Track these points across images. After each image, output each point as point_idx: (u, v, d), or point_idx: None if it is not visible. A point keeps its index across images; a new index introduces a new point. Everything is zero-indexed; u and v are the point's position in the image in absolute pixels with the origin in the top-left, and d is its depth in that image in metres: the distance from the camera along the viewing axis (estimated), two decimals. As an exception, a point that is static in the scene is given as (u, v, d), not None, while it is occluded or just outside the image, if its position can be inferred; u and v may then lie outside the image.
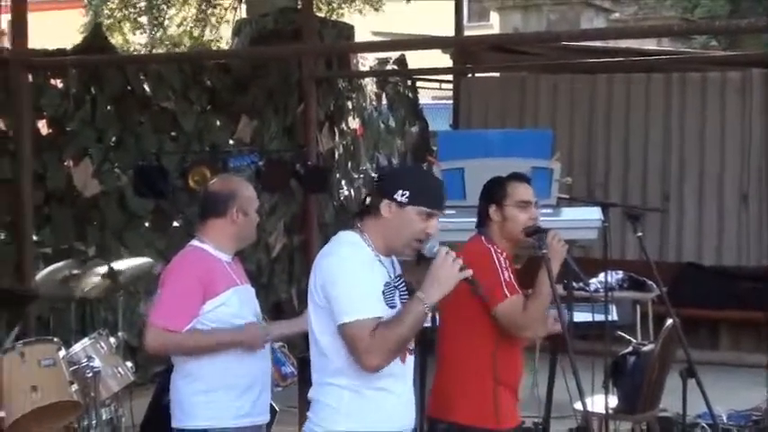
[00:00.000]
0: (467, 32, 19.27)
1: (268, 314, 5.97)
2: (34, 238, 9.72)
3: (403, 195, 4.30)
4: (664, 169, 13.57)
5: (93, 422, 6.76)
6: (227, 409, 5.27)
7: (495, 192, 5.48)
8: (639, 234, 6.71)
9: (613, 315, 7.52)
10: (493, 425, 5.20)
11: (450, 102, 15.65)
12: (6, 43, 14.24)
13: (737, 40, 18.83)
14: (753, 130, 13.17)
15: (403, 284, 4.46)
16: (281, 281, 12.55)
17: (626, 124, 13.76)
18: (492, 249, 5.30)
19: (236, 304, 5.32)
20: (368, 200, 4.48)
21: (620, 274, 11.35)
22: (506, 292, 5.14)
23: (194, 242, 5.43)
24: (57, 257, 9.01)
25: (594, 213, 6.95)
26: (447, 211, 6.53)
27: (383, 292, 4.30)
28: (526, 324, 5.20)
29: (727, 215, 13.36)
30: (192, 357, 5.30)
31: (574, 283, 11.19)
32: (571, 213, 6.92)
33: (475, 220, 5.56)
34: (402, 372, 4.42)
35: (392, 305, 4.30)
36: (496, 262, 5.22)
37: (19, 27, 9.55)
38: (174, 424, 5.41)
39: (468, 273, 4.30)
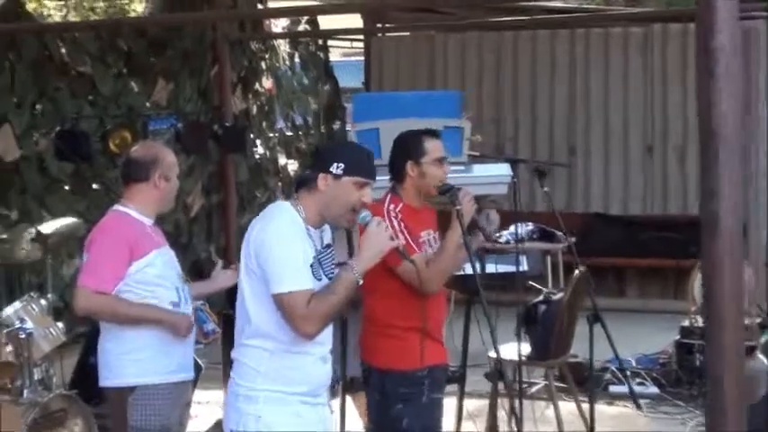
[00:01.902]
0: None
1: (188, 274, 6.10)
2: None
3: (338, 168, 4.43)
4: (570, 124, 13.81)
5: (27, 382, 6.74)
6: (154, 366, 5.37)
7: (412, 148, 5.57)
8: (546, 189, 6.87)
9: (524, 265, 7.68)
10: (409, 366, 5.39)
11: (361, 59, 15.79)
12: None
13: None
14: (654, 84, 13.43)
15: (331, 255, 4.59)
16: (200, 240, 12.62)
17: (532, 81, 13.98)
18: (387, 213, 5.40)
19: (159, 265, 5.41)
20: (307, 176, 4.56)
21: (531, 226, 11.58)
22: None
23: (118, 207, 5.52)
24: None
25: (504, 169, 7.07)
26: None
27: (311, 265, 4.40)
28: (428, 279, 5.28)
29: (633, 167, 13.63)
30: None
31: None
32: (482, 170, 7.05)
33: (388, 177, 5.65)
34: (325, 333, 4.56)
35: (318, 277, 4.41)
36: (392, 226, 5.24)
37: None
38: (102, 383, 5.51)
39: (399, 243, 4.52)
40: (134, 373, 5.38)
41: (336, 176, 4.43)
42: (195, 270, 11.24)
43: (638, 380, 9.10)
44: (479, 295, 5.85)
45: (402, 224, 5.41)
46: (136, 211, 5.46)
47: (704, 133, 3.76)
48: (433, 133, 5.70)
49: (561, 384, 8.24)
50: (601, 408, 8.34)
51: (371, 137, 6.86)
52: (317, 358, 4.54)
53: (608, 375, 9.05)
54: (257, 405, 4.44)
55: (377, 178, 4.98)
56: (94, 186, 11.10)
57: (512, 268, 7.57)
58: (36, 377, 6.93)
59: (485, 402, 7.72)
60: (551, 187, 13.52)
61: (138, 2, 15.62)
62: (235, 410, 4.51)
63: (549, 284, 10.26)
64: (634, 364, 9.37)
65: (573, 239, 11.65)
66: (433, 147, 5.56)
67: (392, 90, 13.78)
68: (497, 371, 5.98)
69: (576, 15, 13.98)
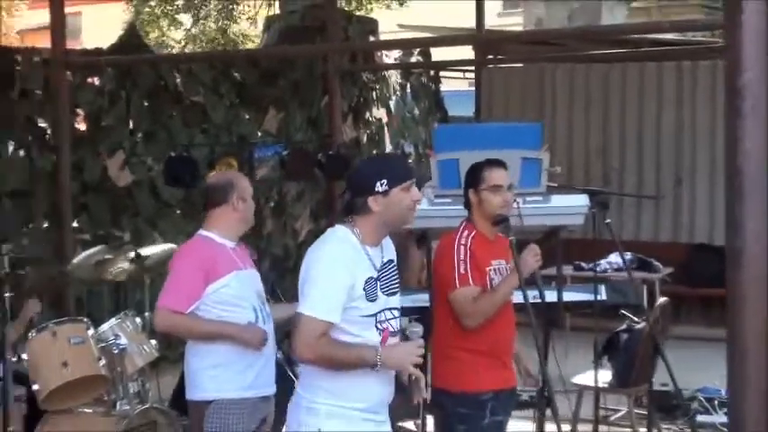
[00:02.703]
0: (500, 20, 19.49)
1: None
2: (74, 224, 9.86)
3: (382, 185, 4.50)
4: (677, 154, 13.71)
5: (120, 395, 6.88)
6: (232, 382, 5.51)
7: (473, 177, 5.68)
8: (608, 221, 6.88)
9: (602, 295, 7.73)
10: (471, 387, 5.50)
11: (473, 89, 15.76)
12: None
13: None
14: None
15: (392, 270, 4.66)
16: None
17: (639, 112, 13.84)
18: (456, 240, 5.53)
19: (236, 286, 5.55)
20: (354, 202, 4.57)
21: (629, 255, 11.68)
22: (456, 283, 5.40)
23: (201, 231, 5.73)
24: (94, 243, 9.08)
25: (581, 200, 7.08)
26: (444, 200, 6.87)
27: (364, 289, 4.46)
28: (472, 314, 5.42)
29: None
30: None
31: (584, 264, 11.57)
32: (560, 201, 7.08)
33: None
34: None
35: (372, 298, 4.48)
36: (455, 254, 5.46)
37: (57, 29, 9.72)
38: (187, 396, 5.71)
39: (414, 372, 4.53)
40: (211, 387, 5.54)
41: (384, 193, 4.49)
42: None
43: (725, 409, 8.99)
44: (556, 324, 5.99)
45: (468, 252, 5.49)
46: (218, 235, 5.67)
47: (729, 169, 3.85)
48: (495, 162, 5.74)
49: (643, 412, 8.27)
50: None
51: (451, 167, 6.90)
52: (376, 376, 4.60)
53: (695, 404, 8.95)
54: (318, 418, 4.52)
55: (455, 207, 5.17)
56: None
57: (589, 296, 7.67)
58: (132, 391, 7.03)
59: (567, 428, 7.80)
60: (657, 217, 13.70)
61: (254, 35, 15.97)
62: (296, 421, 4.61)
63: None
64: (724, 393, 9.20)
65: (668, 270, 11.72)
66: (490, 175, 5.62)
67: (501, 119, 13.84)
68: (544, 396, 6.04)
69: (684, 48, 13.93)
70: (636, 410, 8.20)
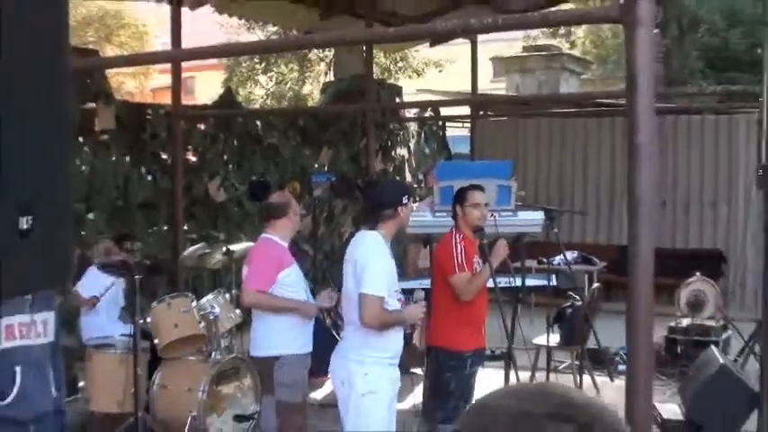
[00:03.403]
0: (491, 84, 19.50)
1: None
2: (185, 228, 9.99)
3: (406, 198, 4.80)
4: (611, 181, 13.74)
5: (214, 347, 6.96)
6: (293, 342, 5.64)
7: (459, 196, 5.79)
8: (555, 230, 7.01)
9: (553, 281, 7.83)
10: (458, 347, 5.62)
11: (468, 134, 15.96)
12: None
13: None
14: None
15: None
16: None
17: (585, 150, 13.99)
18: (454, 240, 5.63)
19: (294, 275, 5.71)
20: (384, 212, 4.80)
21: (575, 253, 11.78)
22: (455, 270, 5.52)
23: (264, 235, 5.82)
24: (199, 241, 9.03)
25: (539, 215, 7.25)
26: (440, 215, 6.97)
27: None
28: (467, 292, 5.52)
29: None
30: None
31: (544, 259, 11.60)
32: (524, 215, 7.21)
33: None
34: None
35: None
36: (454, 249, 5.58)
37: (176, 90, 9.80)
38: (255, 353, 5.84)
39: (419, 325, 5.17)
40: (278, 346, 5.64)
41: (405, 204, 4.76)
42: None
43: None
44: (519, 300, 6.13)
45: (463, 249, 5.60)
46: (279, 238, 5.77)
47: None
48: (476, 186, 5.85)
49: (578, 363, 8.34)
50: (606, 380, 8.48)
51: (449, 191, 7.02)
52: (397, 333, 4.80)
53: (617, 358, 8.99)
54: (363, 366, 4.67)
55: (448, 219, 5.39)
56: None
57: (544, 282, 7.78)
58: (223, 345, 7.05)
59: (526, 374, 7.89)
60: (596, 226, 13.77)
61: (316, 94, 16.06)
62: (344, 369, 4.74)
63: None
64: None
65: (603, 264, 11.77)
66: (473, 195, 5.73)
67: (488, 157, 13.92)
68: (508, 354, 6.18)
69: (613, 108, 13.94)
70: (576, 362, 8.32)
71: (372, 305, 4.58)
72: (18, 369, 3.48)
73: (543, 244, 9.57)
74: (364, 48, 12.50)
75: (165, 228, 9.95)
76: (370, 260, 4.66)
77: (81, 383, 7.03)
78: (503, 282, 7.06)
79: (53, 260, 2.08)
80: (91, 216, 8.87)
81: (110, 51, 25.34)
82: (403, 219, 4.82)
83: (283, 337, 5.63)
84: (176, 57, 9.39)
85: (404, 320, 4.78)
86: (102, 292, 7.28)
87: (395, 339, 4.81)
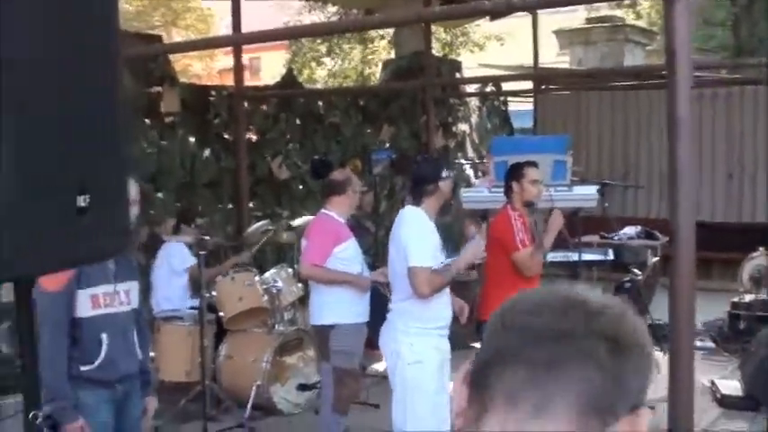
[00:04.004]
0: (558, 57, 19.36)
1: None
2: (250, 205, 10.22)
3: (445, 173, 4.93)
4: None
5: (277, 320, 7.23)
6: (346, 311, 5.79)
7: (516, 173, 5.80)
8: (606, 204, 7.02)
9: (610, 255, 7.87)
10: None
11: (531, 108, 15.97)
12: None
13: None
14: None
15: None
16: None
17: (648, 125, 13.66)
18: (512, 217, 5.64)
19: (351, 249, 5.88)
20: (425, 188, 4.92)
21: (638, 228, 11.78)
22: (519, 246, 5.54)
23: (323, 211, 6.00)
24: (263, 218, 9.22)
25: (593, 190, 7.33)
26: (496, 190, 7.08)
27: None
28: (532, 267, 5.54)
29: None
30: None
31: (606, 234, 11.63)
32: (579, 190, 7.27)
33: None
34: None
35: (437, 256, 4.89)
36: (513, 225, 5.59)
37: (238, 72, 10.07)
38: (313, 322, 6.00)
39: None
40: (333, 315, 5.80)
41: (444, 178, 4.90)
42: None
43: (699, 337, 9.11)
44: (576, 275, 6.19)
45: (522, 225, 5.65)
46: (336, 214, 5.94)
47: None
48: (533, 163, 5.89)
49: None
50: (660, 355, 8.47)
51: (503, 166, 7.13)
52: (445, 302, 4.92)
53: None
54: (409, 337, 4.81)
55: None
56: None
57: (601, 257, 7.84)
58: (286, 318, 7.35)
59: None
60: (659, 200, 13.63)
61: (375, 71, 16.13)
62: (393, 339, 4.88)
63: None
64: (699, 326, 9.28)
65: (666, 239, 11.71)
66: (529, 172, 5.75)
67: (550, 131, 13.95)
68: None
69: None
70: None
71: (422, 276, 4.73)
72: (104, 335, 3.82)
73: (602, 219, 9.59)
74: (423, 24, 12.61)
75: (230, 206, 10.19)
76: (413, 235, 4.81)
77: (151, 354, 7.33)
78: (559, 256, 7.18)
79: (109, 234, 2.31)
80: (159, 195, 9.16)
81: (176, 35, 25.83)
82: (444, 193, 4.96)
83: (338, 308, 5.81)
84: (236, 41, 9.64)
85: (457, 270, 4.86)
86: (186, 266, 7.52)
87: (440, 309, 4.93)
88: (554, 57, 20.51)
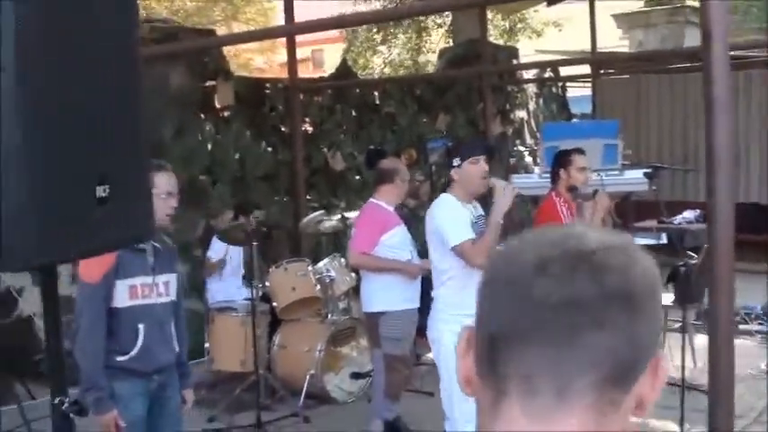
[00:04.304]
0: (620, 42, 19.07)
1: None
2: (307, 197, 10.21)
3: (456, 161, 4.85)
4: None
5: (330, 309, 7.26)
6: (395, 298, 5.83)
7: (563, 160, 5.79)
8: (654, 188, 6.89)
9: (663, 239, 7.74)
10: None
11: (589, 93, 15.76)
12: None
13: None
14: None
15: (482, 221, 4.92)
16: None
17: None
18: (557, 202, 5.64)
19: (399, 236, 5.89)
20: (450, 174, 4.92)
21: (698, 212, 11.55)
22: None
23: (372, 200, 6.06)
24: (320, 209, 9.12)
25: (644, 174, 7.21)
26: (546, 176, 7.02)
27: (472, 224, 4.81)
28: None
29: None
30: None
31: (665, 219, 11.44)
32: (630, 174, 7.16)
33: None
34: None
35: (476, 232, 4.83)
36: (560, 213, 5.59)
37: (291, 62, 10.08)
38: (363, 309, 6.07)
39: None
40: (382, 302, 5.86)
41: (458, 166, 4.82)
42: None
43: (757, 321, 8.94)
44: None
45: (568, 210, 5.64)
46: (384, 203, 6.00)
47: None
48: (578, 150, 5.85)
49: (697, 323, 8.24)
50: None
51: (553, 152, 7.07)
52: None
53: (737, 317, 8.75)
54: (447, 324, 4.78)
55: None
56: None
57: (653, 241, 7.71)
58: (340, 307, 7.39)
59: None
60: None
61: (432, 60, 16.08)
62: (435, 328, 4.90)
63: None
64: (759, 309, 9.13)
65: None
66: (577, 159, 5.75)
67: (610, 116, 13.81)
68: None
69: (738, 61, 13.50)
70: (693, 322, 8.21)
71: (467, 249, 4.72)
72: (141, 326, 3.87)
73: (657, 203, 9.43)
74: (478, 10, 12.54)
75: (286, 197, 10.25)
76: (442, 217, 4.82)
77: (206, 344, 7.46)
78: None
79: (130, 224, 2.37)
80: (216, 188, 9.27)
81: (236, 29, 25.99)
82: (461, 179, 4.89)
83: (387, 295, 5.85)
84: (289, 31, 9.69)
85: (496, 224, 4.76)
86: (222, 258, 7.66)
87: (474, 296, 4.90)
88: (615, 41, 20.21)
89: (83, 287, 3.71)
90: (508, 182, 5.20)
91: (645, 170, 7.05)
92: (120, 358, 3.82)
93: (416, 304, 5.93)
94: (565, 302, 0.94)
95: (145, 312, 3.89)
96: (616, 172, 7.17)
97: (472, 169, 4.86)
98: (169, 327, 4.06)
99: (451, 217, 4.82)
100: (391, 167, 6.13)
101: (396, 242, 5.92)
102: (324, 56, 31.71)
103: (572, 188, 5.71)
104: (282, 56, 29.23)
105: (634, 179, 7.11)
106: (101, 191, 2.25)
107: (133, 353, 3.86)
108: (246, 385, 6.74)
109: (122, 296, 3.81)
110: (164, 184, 3.99)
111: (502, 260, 1.02)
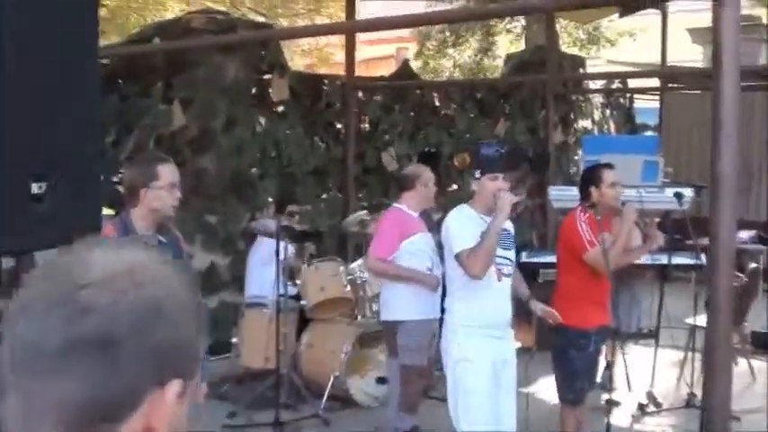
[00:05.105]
0: (687, 55, 18.55)
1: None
2: (359, 195, 10.12)
3: (477, 173, 4.73)
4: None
5: (361, 311, 7.11)
6: (413, 308, 5.65)
7: (593, 177, 5.46)
8: (683, 208, 6.47)
9: (701, 260, 7.39)
10: (583, 324, 5.29)
11: (657, 105, 15.29)
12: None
13: None
14: None
15: (507, 234, 4.78)
16: (523, 230, 12.67)
17: None
18: (579, 218, 5.32)
19: (420, 242, 5.69)
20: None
21: (753, 233, 11.11)
22: (587, 246, 5.20)
23: (395, 205, 5.88)
24: (369, 208, 9.10)
25: (687, 191, 6.92)
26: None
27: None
28: (606, 263, 5.12)
29: None
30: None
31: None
32: (671, 191, 6.88)
33: None
34: (499, 287, 4.73)
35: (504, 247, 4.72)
36: (579, 227, 5.27)
37: (350, 62, 9.96)
38: (382, 318, 5.90)
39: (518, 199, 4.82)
40: (401, 311, 5.69)
41: (478, 179, 4.68)
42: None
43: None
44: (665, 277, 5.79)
45: (588, 225, 5.32)
46: (407, 208, 5.81)
47: None
48: (607, 165, 5.57)
49: (737, 346, 7.85)
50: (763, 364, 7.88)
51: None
52: (492, 305, 4.70)
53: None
54: (456, 335, 4.69)
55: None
56: (449, 189, 11.49)
57: (692, 261, 7.34)
58: (374, 309, 7.04)
59: (676, 353, 7.59)
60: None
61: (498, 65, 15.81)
62: (446, 339, 4.77)
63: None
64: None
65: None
66: (607, 175, 5.44)
67: (676, 131, 13.40)
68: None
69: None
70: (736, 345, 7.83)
71: (464, 258, 4.58)
72: None
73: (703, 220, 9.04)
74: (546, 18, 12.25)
75: (336, 195, 10.14)
76: (452, 227, 4.72)
77: (234, 339, 7.35)
78: (647, 259, 6.80)
79: (69, 222, 2.23)
80: (262, 182, 9.16)
81: (318, 22, 25.94)
82: (479, 192, 4.72)
83: (406, 303, 5.68)
84: (350, 29, 9.56)
85: (495, 231, 4.56)
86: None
87: (486, 308, 4.72)
88: (691, 54, 19.65)
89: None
90: (519, 193, 4.99)
91: (682, 189, 6.73)
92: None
93: (436, 315, 5.69)
94: (31, 348, 0.92)
95: None
96: (656, 189, 6.85)
97: (489, 185, 4.68)
98: None
99: (460, 227, 4.69)
100: (412, 173, 5.96)
101: (415, 249, 5.74)
102: (409, 54, 31.58)
103: (593, 205, 5.41)
104: (362, 53, 29.26)
105: (666, 198, 6.80)
106: (36, 188, 2.15)
107: None
108: (270, 383, 6.59)
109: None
110: (168, 176, 3.92)
111: (22, 293, 0.98)
